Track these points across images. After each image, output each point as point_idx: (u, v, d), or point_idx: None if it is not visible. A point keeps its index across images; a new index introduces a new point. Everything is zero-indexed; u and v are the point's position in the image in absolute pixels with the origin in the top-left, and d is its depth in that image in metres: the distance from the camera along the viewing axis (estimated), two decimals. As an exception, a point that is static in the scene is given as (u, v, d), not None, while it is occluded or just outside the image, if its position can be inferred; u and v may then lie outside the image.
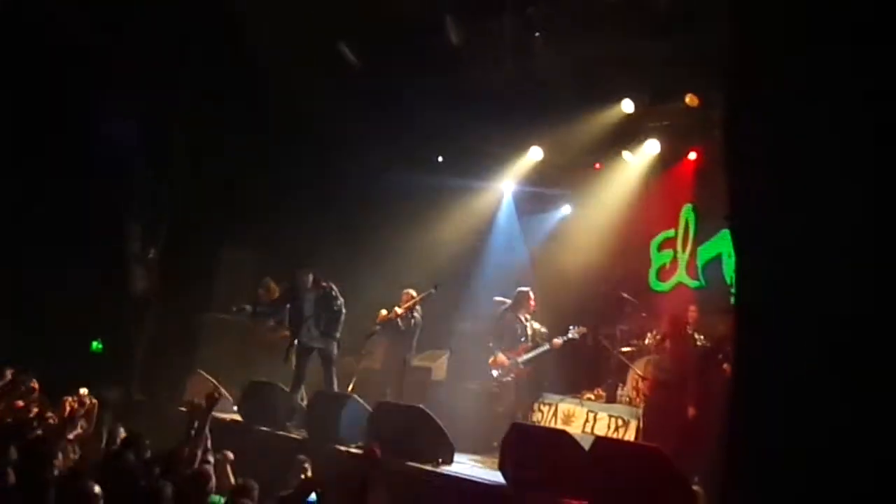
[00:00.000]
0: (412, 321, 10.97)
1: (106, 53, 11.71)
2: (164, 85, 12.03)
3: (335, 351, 10.45)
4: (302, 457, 7.78)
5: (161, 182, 12.39)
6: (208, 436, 7.02)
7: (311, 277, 10.48)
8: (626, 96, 11.37)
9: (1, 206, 11.47)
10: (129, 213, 12.15)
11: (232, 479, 6.94)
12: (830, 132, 4.99)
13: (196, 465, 6.47)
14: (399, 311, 11.00)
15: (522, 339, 10.47)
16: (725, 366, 8.47)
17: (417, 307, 10.92)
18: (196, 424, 6.95)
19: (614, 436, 9.49)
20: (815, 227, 4.86)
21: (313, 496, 5.19)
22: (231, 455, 7.22)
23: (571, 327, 10.35)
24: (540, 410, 10.62)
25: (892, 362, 4.49)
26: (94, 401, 7.72)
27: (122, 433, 7.69)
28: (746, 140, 5.16)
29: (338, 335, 10.43)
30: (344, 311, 10.45)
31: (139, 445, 7.13)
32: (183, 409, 10.03)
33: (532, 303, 10.63)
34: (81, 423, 7.17)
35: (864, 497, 4.53)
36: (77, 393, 7.90)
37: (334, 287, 10.47)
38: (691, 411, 8.83)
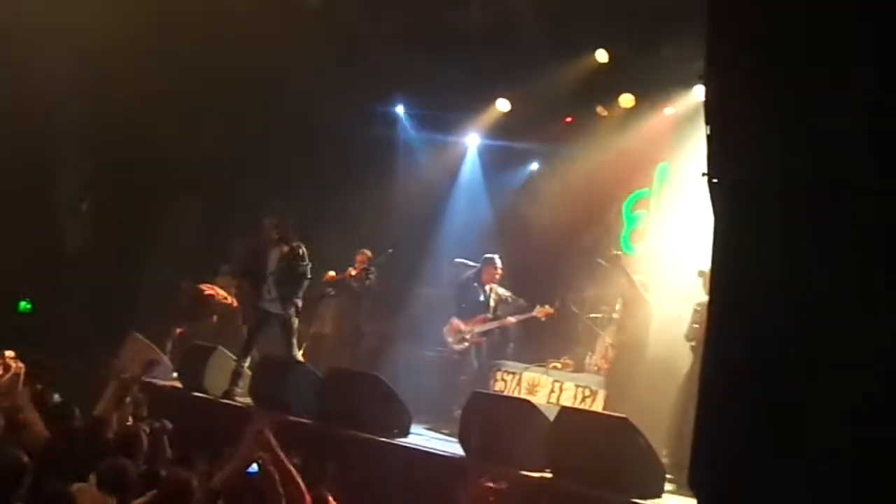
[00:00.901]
0: (366, 283, 10.97)
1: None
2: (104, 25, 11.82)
3: (294, 317, 10.16)
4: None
5: (96, 128, 12.19)
6: (142, 402, 7.03)
7: (275, 231, 10.13)
8: (601, 46, 11.38)
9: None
10: (60, 160, 11.96)
11: (168, 451, 6.94)
12: (817, 86, 5.07)
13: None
14: (353, 272, 11.01)
15: (483, 308, 10.55)
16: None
17: (372, 269, 10.93)
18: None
19: (581, 406, 9.63)
20: (795, 186, 4.96)
21: (254, 466, 5.20)
22: (169, 424, 7.21)
23: (537, 306, 10.42)
24: (503, 379, 10.72)
25: (867, 325, 4.61)
26: (21, 365, 7.65)
27: (56, 399, 7.67)
28: (729, 93, 5.23)
29: (298, 300, 10.13)
30: (309, 275, 10.17)
31: (66, 413, 7.13)
32: (118, 374, 10.05)
33: (499, 271, 10.69)
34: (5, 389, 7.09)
35: (832, 471, 4.67)
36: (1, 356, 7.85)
37: (302, 246, 10.12)
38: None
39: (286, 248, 10.09)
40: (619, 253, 10.40)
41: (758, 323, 5.01)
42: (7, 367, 7.09)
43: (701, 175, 5.38)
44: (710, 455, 5.37)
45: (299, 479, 5.10)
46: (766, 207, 5.00)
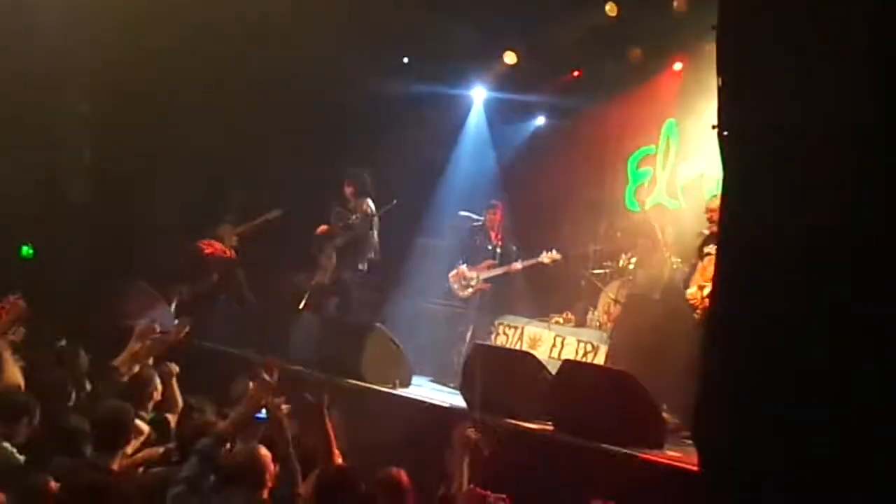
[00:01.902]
0: (369, 233, 10.97)
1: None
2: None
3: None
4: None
5: (97, 76, 12.10)
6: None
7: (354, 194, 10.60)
8: (610, -1, 11.27)
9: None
10: (61, 110, 11.89)
11: (178, 395, 6.99)
12: (823, 39, 5.01)
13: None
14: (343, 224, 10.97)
15: (489, 255, 10.58)
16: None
17: (375, 219, 10.91)
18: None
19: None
20: (809, 139, 4.92)
21: (263, 412, 5.24)
22: (175, 368, 7.24)
23: (544, 251, 10.43)
24: (504, 333, 10.76)
25: (876, 288, 4.60)
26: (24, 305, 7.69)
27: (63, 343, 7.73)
28: (742, 45, 5.17)
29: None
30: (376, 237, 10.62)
31: (74, 357, 7.19)
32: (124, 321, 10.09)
33: (498, 216, 10.70)
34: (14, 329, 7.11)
35: (836, 428, 4.68)
36: (8, 300, 7.86)
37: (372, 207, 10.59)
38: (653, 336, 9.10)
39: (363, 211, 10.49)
40: (645, 208, 10.35)
41: (765, 275, 5.01)
42: (15, 307, 7.08)
43: (711, 127, 5.35)
44: (713, 411, 5.40)
45: (332, 437, 5.17)
46: (775, 157, 4.98)
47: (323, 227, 11.13)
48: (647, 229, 10.06)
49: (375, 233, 10.60)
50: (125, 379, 6.56)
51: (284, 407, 5.26)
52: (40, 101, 11.26)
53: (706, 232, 8.27)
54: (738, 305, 5.13)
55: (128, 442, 5.32)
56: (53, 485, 4.22)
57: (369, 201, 10.67)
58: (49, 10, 11.24)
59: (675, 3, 10.65)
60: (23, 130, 11.06)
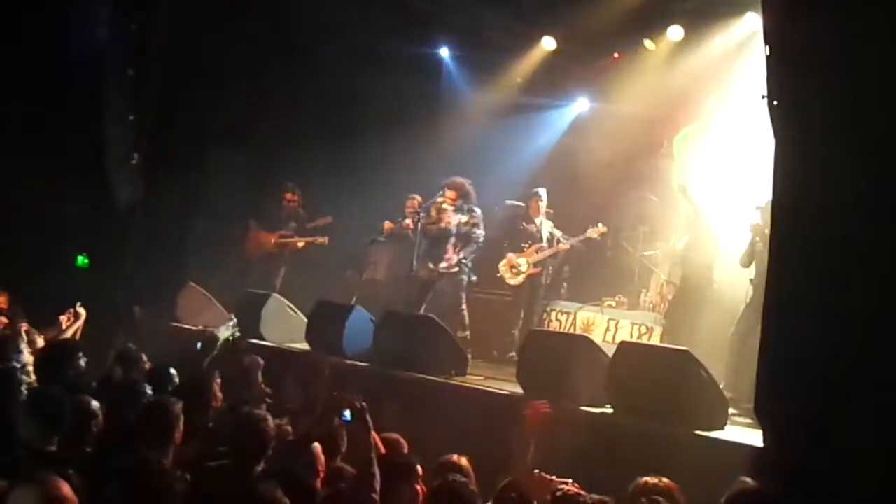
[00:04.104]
0: (418, 227, 10.97)
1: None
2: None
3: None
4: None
5: (141, 82, 12.23)
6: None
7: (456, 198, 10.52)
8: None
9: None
10: (109, 116, 12.03)
11: (261, 388, 7.08)
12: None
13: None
14: (409, 223, 11.00)
15: (536, 240, 10.55)
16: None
17: (422, 214, 10.90)
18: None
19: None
20: (859, 104, 4.84)
21: (348, 414, 5.24)
22: (261, 361, 7.31)
23: (591, 227, 10.37)
24: (557, 320, 10.74)
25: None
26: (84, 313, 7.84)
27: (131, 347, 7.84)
28: (791, 14, 5.09)
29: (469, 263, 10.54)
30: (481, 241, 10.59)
31: (133, 360, 7.27)
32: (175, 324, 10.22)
33: (543, 203, 10.66)
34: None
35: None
36: (70, 311, 8.03)
37: (477, 212, 10.55)
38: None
39: (465, 216, 10.44)
40: (685, 185, 10.24)
41: (822, 248, 4.94)
42: (78, 316, 7.20)
43: (760, 97, 5.27)
44: (774, 385, 5.34)
45: (371, 428, 5.19)
46: (826, 124, 4.90)
47: (387, 225, 11.18)
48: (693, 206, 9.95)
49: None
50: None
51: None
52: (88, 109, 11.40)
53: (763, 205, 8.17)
54: (796, 282, 5.07)
55: (175, 437, 5.36)
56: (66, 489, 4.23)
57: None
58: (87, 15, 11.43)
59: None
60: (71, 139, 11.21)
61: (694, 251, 9.59)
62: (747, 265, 8.40)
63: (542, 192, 10.74)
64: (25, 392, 5.85)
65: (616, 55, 12.48)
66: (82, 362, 6.56)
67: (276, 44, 12.42)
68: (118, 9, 11.79)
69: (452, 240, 10.42)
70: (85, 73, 11.65)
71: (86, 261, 11.47)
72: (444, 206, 10.42)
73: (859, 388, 4.84)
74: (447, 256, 10.38)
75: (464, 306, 10.37)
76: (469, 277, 10.54)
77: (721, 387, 7.48)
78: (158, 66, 12.08)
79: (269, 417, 5.40)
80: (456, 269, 10.36)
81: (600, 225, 10.39)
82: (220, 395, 6.63)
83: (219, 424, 6.03)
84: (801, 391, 4.95)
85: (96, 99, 11.49)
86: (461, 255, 10.34)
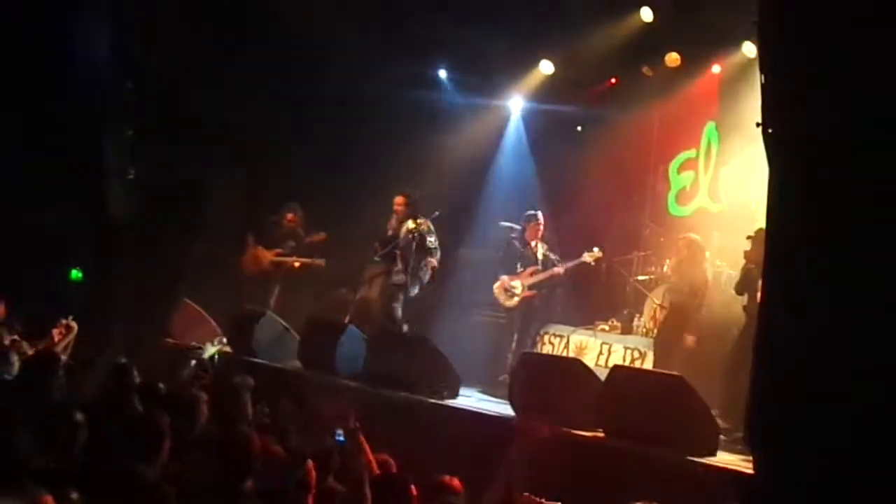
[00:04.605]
0: (412, 247, 10.98)
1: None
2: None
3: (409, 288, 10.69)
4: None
5: (139, 97, 12.27)
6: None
7: (405, 208, 10.82)
8: (646, 4, 11.21)
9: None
10: (105, 130, 12.05)
11: (249, 409, 7.04)
12: (871, 33, 4.95)
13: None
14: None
15: (531, 263, 10.55)
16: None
17: (416, 234, 10.93)
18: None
19: (631, 367, 9.59)
20: (856, 136, 4.85)
21: (341, 435, 5.24)
22: (251, 381, 7.28)
23: (586, 252, 10.38)
24: (550, 343, 10.73)
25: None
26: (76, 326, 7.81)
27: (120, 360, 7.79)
28: (784, 40, 5.12)
29: (422, 274, 10.77)
30: (435, 251, 10.81)
31: (123, 374, 7.24)
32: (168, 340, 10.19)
33: (541, 226, 10.66)
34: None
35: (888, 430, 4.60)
36: (61, 323, 8.01)
37: (429, 223, 10.72)
38: (689, 339, 9.06)
39: (413, 225, 10.63)
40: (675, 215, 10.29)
41: (815, 277, 4.94)
42: (70, 329, 7.18)
43: (756, 125, 5.29)
44: (766, 413, 5.33)
45: (367, 448, 5.18)
46: (822, 154, 4.92)
47: (377, 245, 11.25)
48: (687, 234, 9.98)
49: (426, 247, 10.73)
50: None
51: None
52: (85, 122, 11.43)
53: (753, 235, 8.21)
54: (788, 310, 5.07)
55: (163, 452, 5.33)
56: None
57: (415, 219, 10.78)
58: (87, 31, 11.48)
59: (709, 7, 10.58)
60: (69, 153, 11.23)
61: (680, 277, 9.58)
62: (741, 293, 8.40)
63: (539, 214, 10.75)
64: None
65: (613, 80, 12.52)
66: (61, 374, 6.54)
67: (275, 62, 12.46)
68: (117, 25, 11.86)
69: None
70: (83, 87, 11.68)
71: (79, 274, 11.46)
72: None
73: (854, 418, 4.83)
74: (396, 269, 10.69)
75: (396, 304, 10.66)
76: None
77: (715, 414, 7.48)
78: (156, 82, 12.13)
79: (255, 435, 5.37)
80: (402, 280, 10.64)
81: (596, 249, 10.39)
82: (205, 411, 6.61)
83: (205, 441, 6.00)
84: (794, 420, 4.94)
85: (93, 113, 11.52)
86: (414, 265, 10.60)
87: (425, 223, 10.69)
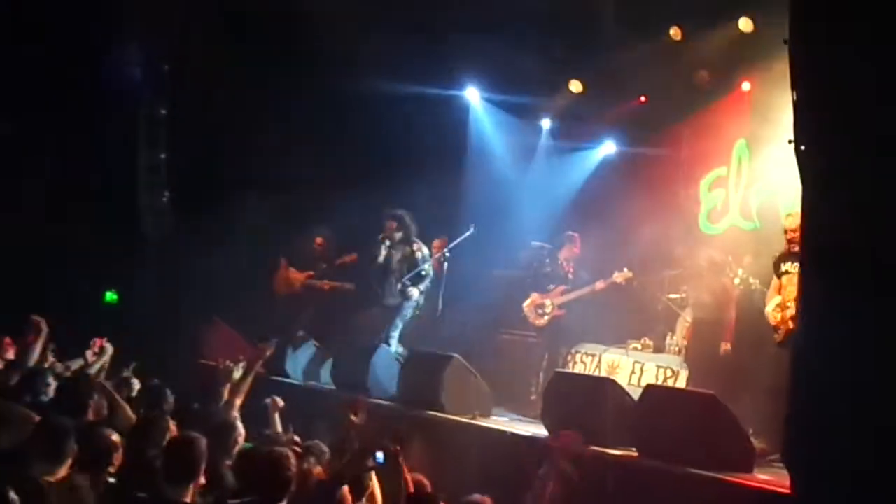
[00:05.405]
0: (444, 268, 11.02)
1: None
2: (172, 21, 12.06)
3: (406, 309, 10.70)
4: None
5: (173, 122, 12.44)
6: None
7: (398, 231, 10.74)
8: (675, 22, 11.20)
9: (4, 153, 11.56)
10: (141, 155, 12.22)
11: (280, 429, 7.08)
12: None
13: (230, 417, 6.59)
14: (434, 262, 11.08)
15: (562, 282, 10.54)
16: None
17: (447, 254, 10.95)
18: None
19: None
20: (889, 150, 4.82)
21: (381, 456, 5.24)
22: (281, 402, 7.32)
23: (616, 272, 10.35)
24: (582, 362, 10.69)
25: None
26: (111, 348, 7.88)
27: (137, 385, 7.85)
28: (818, 60, 5.10)
29: (415, 296, 10.73)
30: (428, 274, 10.77)
31: (158, 396, 7.29)
32: (202, 361, 10.24)
33: (577, 248, 10.70)
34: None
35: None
36: (95, 344, 8.08)
37: (423, 247, 10.76)
38: (724, 346, 8.95)
39: (408, 249, 10.65)
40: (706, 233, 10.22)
41: (850, 293, 4.90)
42: (103, 350, 7.25)
43: (788, 142, 5.26)
44: (803, 433, 5.28)
45: (405, 468, 5.18)
46: (855, 169, 4.88)
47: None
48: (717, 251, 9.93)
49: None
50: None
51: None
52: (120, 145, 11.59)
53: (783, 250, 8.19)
54: (824, 328, 5.03)
55: (199, 474, 5.34)
56: None
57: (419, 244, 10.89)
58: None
59: (738, 25, 10.56)
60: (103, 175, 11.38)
61: (705, 294, 9.51)
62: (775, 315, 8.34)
63: (576, 237, 10.78)
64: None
65: (643, 98, 12.50)
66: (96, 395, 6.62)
67: (304, 84, 12.56)
68: (150, 51, 12.04)
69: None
70: (118, 112, 11.86)
71: (114, 297, 11.59)
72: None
73: (892, 437, 4.78)
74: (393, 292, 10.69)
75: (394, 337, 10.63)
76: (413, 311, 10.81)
77: (749, 433, 7.42)
78: (189, 107, 12.28)
79: (291, 455, 5.39)
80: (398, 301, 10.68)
81: (626, 270, 10.35)
82: (243, 432, 6.64)
83: (238, 463, 6.04)
84: (831, 440, 4.89)
85: (128, 137, 11.68)
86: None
87: (419, 248, 10.73)
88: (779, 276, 8.24)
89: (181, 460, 5.21)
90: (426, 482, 5.83)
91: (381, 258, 10.64)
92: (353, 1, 11.56)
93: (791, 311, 7.89)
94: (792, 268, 8.08)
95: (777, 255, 8.31)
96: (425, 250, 10.69)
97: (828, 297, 5.20)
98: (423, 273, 10.65)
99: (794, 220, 8.19)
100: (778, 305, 8.06)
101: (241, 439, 6.62)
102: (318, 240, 12.23)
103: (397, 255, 10.64)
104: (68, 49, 11.55)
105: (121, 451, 5.49)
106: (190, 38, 12.27)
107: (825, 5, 5.10)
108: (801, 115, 4.98)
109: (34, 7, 11.38)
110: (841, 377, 4.95)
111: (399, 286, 10.55)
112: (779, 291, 8.16)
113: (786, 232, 8.22)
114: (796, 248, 8.09)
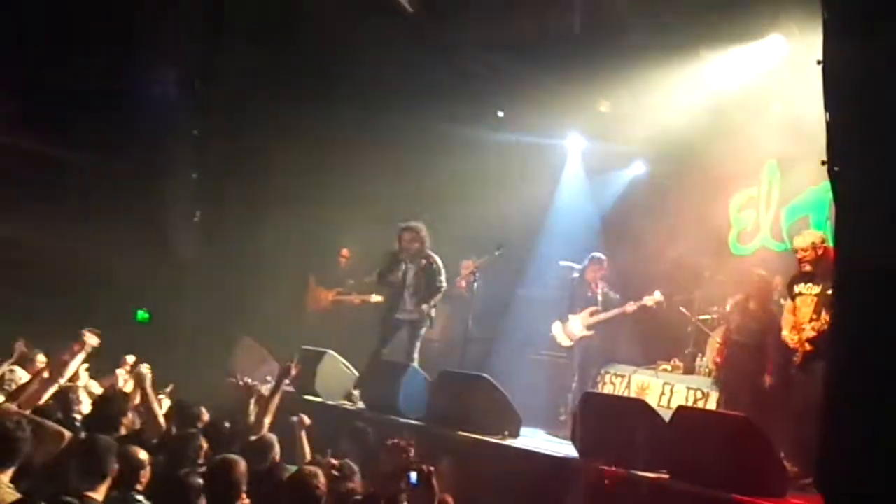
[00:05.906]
0: (473, 289, 11.00)
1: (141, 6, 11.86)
2: (204, 39, 12.18)
3: (425, 324, 10.50)
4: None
5: (203, 141, 12.54)
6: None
7: (414, 244, 10.46)
8: (703, 43, 11.17)
9: (35, 171, 11.69)
10: (171, 173, 12.32)
11: (307, 448, 7.09)
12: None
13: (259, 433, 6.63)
14: (462, 282, 11.10)
15: (591, 303, 10.52)
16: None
17: (477, 275, 10.93)
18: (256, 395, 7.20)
19: (695, 407, 9.47)
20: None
21: (414, 477, 5.25)
22: (307, 420, 7.34)
23: (647, 295, 10.33)
24: (612, 382, 10.67)
25: None
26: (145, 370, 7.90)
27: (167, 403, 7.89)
28: (849, 80, 5.08)
29: (431, 311, 10.48)
30: (444, 288, 10.52)
31: (190, 414, 7.34)
32: (232, 379, 10.27)
33: (604, 269, 10.69)
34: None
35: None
36: (125, 361, 8.13)
37: (438, 260, 10.51)
38: (768, 380, 8.75)
39: (423, 262, 10.42)
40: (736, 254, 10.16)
41: (885, 317, 4.85)
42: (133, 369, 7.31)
43: (821, 163, 5.23)
44: (837, 458, 5.22)
45: (436, 488, 5.19)
46: (886, 194, 4.84)
47: (460, 282, 11.24)
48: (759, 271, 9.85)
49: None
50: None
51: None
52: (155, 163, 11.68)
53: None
54: (859, 350, 4.98)
55: (240, 496, 5.36)
56: None
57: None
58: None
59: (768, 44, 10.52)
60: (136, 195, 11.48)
61: (743, 313, 9.42)
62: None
63: (603, 258, 10.76)
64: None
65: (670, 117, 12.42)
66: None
67: (331, 102, 12.63)
68: (183, 70, 12.15)
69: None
70: (150, 130, 11.97)
71: (146, 315, 11.66)
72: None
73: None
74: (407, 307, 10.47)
75: (416, 355, 10.40)
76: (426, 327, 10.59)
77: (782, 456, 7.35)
78: (220, 127, 12.38)
79: (321, 474, 5.40)
80: (416, 316, 10.42)
81: (657, 294, 10.35)
82: (279, 451, 6.67)
83: (272, 481, 6.05)
84: (867, 464, 4.84)
85: (160, 157, 11.78)
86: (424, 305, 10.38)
87: (434, 261, 10.52)
88: (792, 297, 8.22)
89: (223, 482, 5.25)
90: (453, 502, 5.83)
91: (399, 273, 10.55)
92: (379, 23, 11.62)
93: (806, 334, 7.88)
94: (805, 289, 8.06)
95: (789, 277, 8.30)
96: (439, 262, 10.50)
97: (862, 319, 5.16)
98: (439, 285, 10.46)
99: (804, 241, 8.19)
100: (793, 328, 8.03)
101: (277, 458, 6.67)
102: (344, 251, 12.28)
103: (413, 269, 10.51)
104: (98, 67, 11.65)
105: (148, 468, 5.54)
106: (221, 57, 12.39)
107: (859, 25, 5.08)
108: (834, 137, 4.95)
109: (60, 29, 11.48)
110: (877, 401, 4.90)
111: (415, 300, 10.43)
112: (792, 313, 8.13)
113: (796, 252, 8.21)
114: (807, 269, 8.08)
